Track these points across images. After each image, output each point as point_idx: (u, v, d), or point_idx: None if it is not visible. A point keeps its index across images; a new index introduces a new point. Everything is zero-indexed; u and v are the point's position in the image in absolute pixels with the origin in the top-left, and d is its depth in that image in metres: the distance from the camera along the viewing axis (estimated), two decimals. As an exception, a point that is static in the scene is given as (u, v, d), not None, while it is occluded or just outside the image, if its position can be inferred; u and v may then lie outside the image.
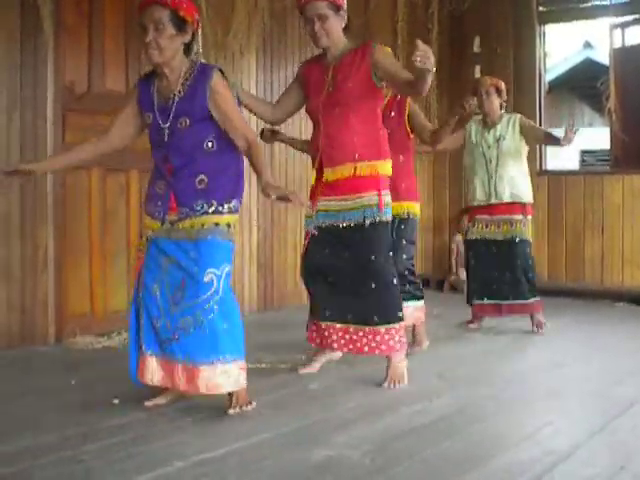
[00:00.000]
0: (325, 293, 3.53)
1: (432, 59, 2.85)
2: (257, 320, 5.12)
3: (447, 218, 7.44)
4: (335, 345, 3.53)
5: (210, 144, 2.94)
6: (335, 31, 3.39)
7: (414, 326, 4.23)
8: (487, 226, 4.89)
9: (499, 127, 4.83)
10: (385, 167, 3.45)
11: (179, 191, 2.94)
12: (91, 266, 4.61)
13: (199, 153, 2.93)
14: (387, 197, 3.44)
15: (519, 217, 4.82)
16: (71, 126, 4.42)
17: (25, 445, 2.57)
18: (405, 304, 3.67)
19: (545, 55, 7.46)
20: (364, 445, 2.57)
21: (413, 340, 4.21)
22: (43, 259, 4.30)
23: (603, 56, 9.13)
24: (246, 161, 2.97)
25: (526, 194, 4.86)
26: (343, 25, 3.43)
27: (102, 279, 4.66)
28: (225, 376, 2.87)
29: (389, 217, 3.45)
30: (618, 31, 6.91)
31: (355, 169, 3.37)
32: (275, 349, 4.06)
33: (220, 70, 2.97)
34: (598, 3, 7.08)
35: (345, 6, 3.41)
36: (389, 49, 3.45)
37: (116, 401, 3.10)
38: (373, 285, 3.39)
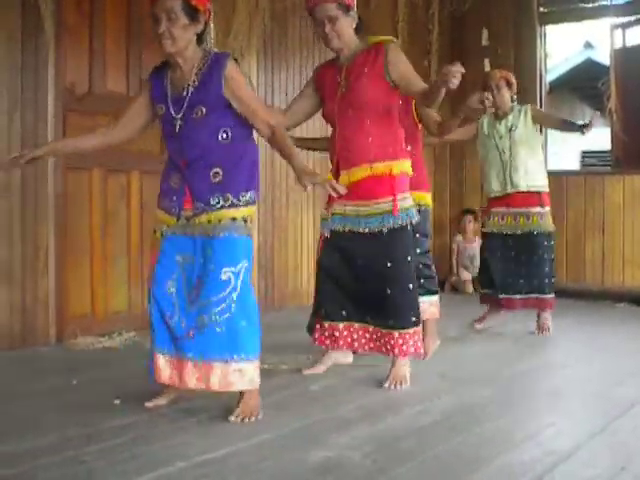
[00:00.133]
0: (341, 294, 3.50)
1: (457, 82, 2.83)
2: (258, 321, 5.11)
3: (448, 218, 7.45)
4: (356, 344, 3.52)
5: (225, 134, 2.90)
6: (346, 32, 3.35)
7: (424, 322, 4.17)
8: (503, 218, 4.87)
9: (510, 117, 4.83)
10: (401, 166, 3.41)
11: (194, 185, 2.91)
12: (92, 267, 4.61)
13: (213, 144, 2.89)
14: (403, 201, 3.39)
15: (536, 209, 4.80)
16: (72, 127, 4.41)
17: (27, 446, 2.56)
18: (420, 299, 3.61)
19: (546, 56, 7.46)
20: (365, 446, 2.57)
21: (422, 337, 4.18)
22: (44, 260, 4.30)
23: (604, 56, 9.13)
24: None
25: (542, 183, 4.85)
26: (354, 25, 3.39)
27: (103, 280, 4.66)
28: (239, 374, 2.85)
29: (408, 221, 3.39)
30: (619, 31, 6.91)
31: (371, 169, 3.34)
32: (276, 350, 4.06)
33: (234, 58, 2.96)
34: (599, 4, 7.08)
35: (355, 6, 3.36)
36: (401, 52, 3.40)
37: (117, 402, 3.10)
38: (388, 291, 3.37)
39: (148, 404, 3.03)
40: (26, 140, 4.20)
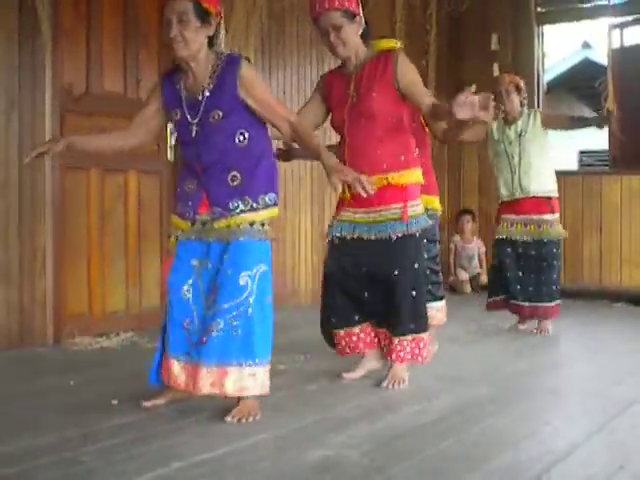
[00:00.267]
0: (349, 299, 3.49)
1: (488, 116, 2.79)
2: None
3: (445, 219, 7.44)
4: (372, 339, 3.53)
5: (241, 137, 2.88)
6: (351, 40, 3.30)
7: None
8: (512, 225, 4.85)
9: (520, 123, 4.80)
10: (413, 176, 3.39)
11: (211, 189, 2.88)
12: (89, 267, 4.61)
13: (230, 148, 2.87)
14: (413, 208, 3.38)
15: (547, 217, 4.78)
16: (69, 127, 4.41)
17: (25, 446, 2.56)
18: (427, 305, 3.60)
19: (544, 55, 7.47)
20: (363, 445, 2.57)
21: None
22: (41, 260, 4.30)
23: (602, 56, 9.13)
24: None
25: (552, 188, 4.82)
26: (360, 31, 3.34)
27: (100, 280, 4.66)
28: (253, 379, 2.83)
29: (417, 228, 3.38)
30: (617, 31, 6.92)
31: (387, 180, 3.31)
32: (274, 350, 4.03)
33: (246, 58, 2.95)
34: (596, 3, 7.09)
35: (360, 12, 3.31)
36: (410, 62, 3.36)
37: (115, 402, 3.09)
38: (395, 299, 3.36)
39: (146, 404, 3.02)
40: (24, 140, 4.20)
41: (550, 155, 4.87)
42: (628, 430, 2.80)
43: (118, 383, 3.43)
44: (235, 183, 2.87)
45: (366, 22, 3.37)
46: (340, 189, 2.79)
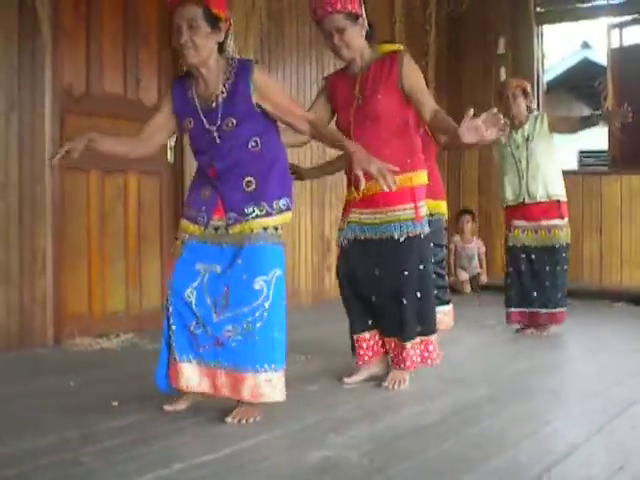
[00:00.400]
0: (359, 306, 3.47)
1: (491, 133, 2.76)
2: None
3: (446, 219, 7.43)
4: (380, 348, 3.50)
5: (254, 143, 2.87)
6: (355, 42, 3.29)
7: None
8: (523, 232, 4.81)
9: (527, 127, 4.78)
10: (420, 178, 3.38)
11: (226, 195, 2.87)
12: (89, 267, 4.61)
13: (244, 154, 2.86)
14: (424, 208, 3.38)
15: (556, 222, 4.75)
16: (69, 128, 4.41)
17: (25, 447, 2.56)
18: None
19: (543, 56, 7.48)
20: (363, 445, 2.57)
21: None
22: (41, 260, 4.30)
23: (601, 56, 9.14)
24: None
25: (561, 192, 4.78)
26: (363, 33, 3.32)
27: (100, 280, 4.66)
28: (270, 385, 2.81)
29: (424, 229, 3.37)
30: (616, 31, 6.93)
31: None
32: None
33: (256, 62, 2.95)
34: (595, 3, 7.10)
35: (363, 13, 3.29)
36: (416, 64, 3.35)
37: (115, 403, 3.09)
38: (404, 301, 3.34)
39: (168, 408, 2.95)
40: (23, 141, 4.21)
41: (556, 158, 4.85)
42: (628, 431, 2.80)
43: (118, 384, 3.43)
44: (250, 188, 2.86)
45: (370, 24, 3.36)
46: (364, 185, 2.74)
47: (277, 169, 2.91)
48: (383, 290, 3.38)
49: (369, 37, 3.38)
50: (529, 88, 4.83)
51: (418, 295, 3.36)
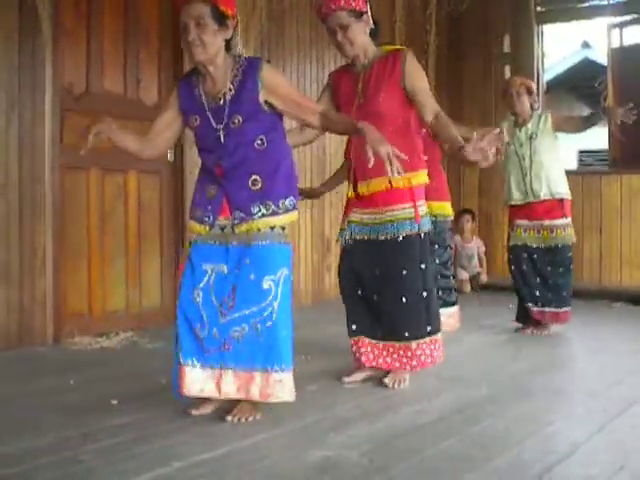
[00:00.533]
0: (356, 307, 3.47)
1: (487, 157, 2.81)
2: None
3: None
4: (363, 358, 3.45)
5: (260, 141, 2.85)
6: (359, 39, 3.29)
7: None
8: (526, 231, 4.81)
9: (530, 125, 4.78)
10: (420, 178, 3.37)
11: (232, 194, 2.85)
12: (89, 267, 4.61)
13: (250, 152, 2.84)
14: (423, 207, 3.37)
15: (559, 222, 4.75)
16: (69, 127, 4.42)
17: (25, 446, 2.56)
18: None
19: (543, 55, 7.48)
20: (363, 445, 2.57)
21: None
22: (41, 259, 4.30)
23: (601, 56, 9.15)
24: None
25: (565, 190, 4.78)
26: (368, 30, 3.32)
27: (100, 279, 4.66)
28: (280, 385, 2.81)
29: (425, 228, 3.36)
30: (616, 31, 6.93)
31: (390, 182, 3.26)
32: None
33: (267, 61, 2.93)
34: (596, 3, 7.10)
35: (368, 10, 3.29)
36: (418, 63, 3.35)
37: (115, 401, 3.09)
38: (404, 300, 3.33)
39: (194, 412, 2.91)
40: (24, 140, 4.21)
41: (560, 156, 4.84)
42: (628, 430, 2.80)
43: (118, 383, 3.43)
44: (256, 187, 2.84)
45: (375, 21, 3.36)
46: (372, 163, 2.72)
47: (283, 168, 2.90)
48: (384, 290, 3.38)
49: (374, 35, 3.38)
50: (533, 86, 4.84)
51: (424, 295, 3.35)
